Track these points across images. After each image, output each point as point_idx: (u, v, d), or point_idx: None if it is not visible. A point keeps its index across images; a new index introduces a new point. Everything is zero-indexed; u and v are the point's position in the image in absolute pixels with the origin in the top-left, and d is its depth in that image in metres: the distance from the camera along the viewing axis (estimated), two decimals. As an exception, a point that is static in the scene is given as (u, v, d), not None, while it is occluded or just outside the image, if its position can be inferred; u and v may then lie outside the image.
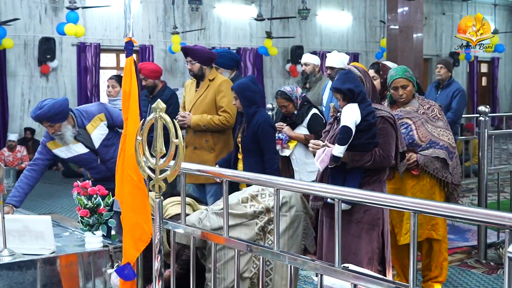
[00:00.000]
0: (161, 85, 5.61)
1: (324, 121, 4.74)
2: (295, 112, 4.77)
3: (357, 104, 3.34)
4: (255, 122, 4.33)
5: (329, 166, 3.39)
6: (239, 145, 4.47)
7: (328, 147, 3.38)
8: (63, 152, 4.21)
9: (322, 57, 14.68)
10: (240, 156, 4.49)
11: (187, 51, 5.05)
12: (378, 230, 3.42)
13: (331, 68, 5.61)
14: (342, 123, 3.32)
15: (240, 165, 4.46)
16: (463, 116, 11.43)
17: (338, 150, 3.30)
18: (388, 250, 3.51)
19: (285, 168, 4.82)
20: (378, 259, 3.42)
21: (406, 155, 3.83)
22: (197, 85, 5.04)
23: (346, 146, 3.30)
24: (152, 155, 2.58)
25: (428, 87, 6.87)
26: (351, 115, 3.31)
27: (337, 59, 5.60)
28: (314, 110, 4.80)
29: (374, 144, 3.37)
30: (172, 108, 5.29)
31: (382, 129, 3.41)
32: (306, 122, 4.74)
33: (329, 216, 3.52)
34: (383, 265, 3.48)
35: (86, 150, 4.20)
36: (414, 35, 9.37)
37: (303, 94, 4.91)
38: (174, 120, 2.45)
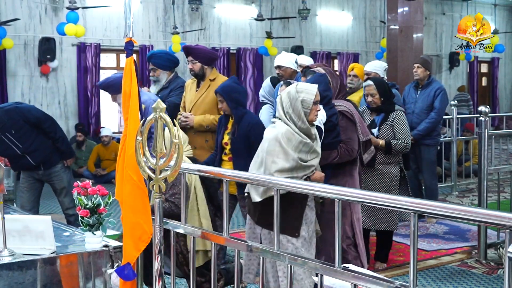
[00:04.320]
0: None
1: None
2: None
3: (322, 106, 3.65)
4: (246, 124, 4.37)
5: None
6: (225, 147, 4.51)
7: None
8: None
9: (323, 57, 14.70)
10: (225, 158, 4.52)
11: (189, 50, 5.06)
12: (345, 220, 3.73)
13: (279, 67, 5.60)
14: None
15: (227, 166, 4.48)
16: (463, 116, 11.46)
17: None
18: (360, 237, 3.83)
19: None
20: (352, 245, 3.81)
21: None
22: (198, 85, 5.03)
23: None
24: (152, 155, 2.58)
25: (406, 87, 6.66)
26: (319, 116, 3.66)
27: (286, 59, 5.60)
28: None
29: (339, 141, 3.72)
30: (33, 114, 5.08)
31: (340, 124, 3.73)
32: None
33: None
34: (357, 251, 3.85)
35: None
36: (414, 35, 9.37)
37: None
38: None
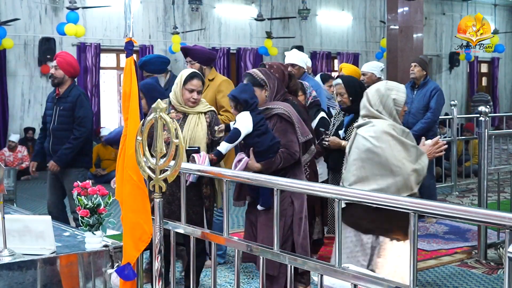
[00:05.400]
0: (70, 83, 5.19)
1: (329, 124, 4.79)
2: None
3: (249, 112, 3.62)
4: None
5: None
6: None
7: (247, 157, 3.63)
8: None
9: (323, 57, 14.71)
10: None
11: (187, 51, 5.06)
12: (284, 219, 3.58)
13: (292, 65, 5.46)
14: (236, 126, 3.62)
15: None
16: (463, 116, 11.47)
17: (224, 147, 3.62)
18: (301, 237, 3.64)
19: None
20: (290, 246, 3.64)
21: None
22: None
23: (232, 145, 3.63)
24: (152, 155, 2.58)
25: None
26: (245, 122, 3.60)
27: (299, 57, 5.55)
28: (322, 114, 4.83)
29: (278, 142, 3.61)
30: (83, 111, 5.12)
31: (279, 127, 3.62)
32: (314, 125, 4.72)
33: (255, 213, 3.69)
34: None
35: None
36: (414, 35, 9.37)
37: (317, 98, 4.92)
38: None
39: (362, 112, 3.29)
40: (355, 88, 4.45)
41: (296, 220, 3.64)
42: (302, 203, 3.69)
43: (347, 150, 3.33)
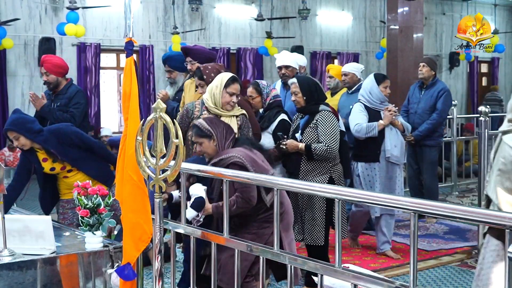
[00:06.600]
0: (65, 83, 5.21)
1: (290, 126, 4.66)
2: (260, 111, 4.76)
3: (200, 183, 3.56)
4: (56, 140, 4.07)
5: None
6: (51, 172, 4.21)
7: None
8: None
9: (323, 57, 14.70)
10: (69, 175, 4.18)
11: (187, 51, 5.07)
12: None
13: (286, 67, 5.42)
14: (196, 196, 3.48)
15: (71, 180, 4.07)
16: (463, 116, 11.46)
17: (191, 214, 3.43)
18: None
19: None
20: None
21: None
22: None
23: (198, 212, 3.46)
24: (152, 155, 2.59)
25: (411, 87, 6.65)
26: (201, 191, 3.49)
27: (291, 58, 5.53)
28: (282, 116, 4.71)
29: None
30: (74, 105, 5.09)
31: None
32: (272, 128, 4.65)
33: None
34: None
35: None
36: (414, 35, 9.37)
37: (278, 98, 4.84)
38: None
39: (509, 115, 2.77)
40: (310, 87, 4.38)
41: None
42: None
43: (491, 155, 2.96)
